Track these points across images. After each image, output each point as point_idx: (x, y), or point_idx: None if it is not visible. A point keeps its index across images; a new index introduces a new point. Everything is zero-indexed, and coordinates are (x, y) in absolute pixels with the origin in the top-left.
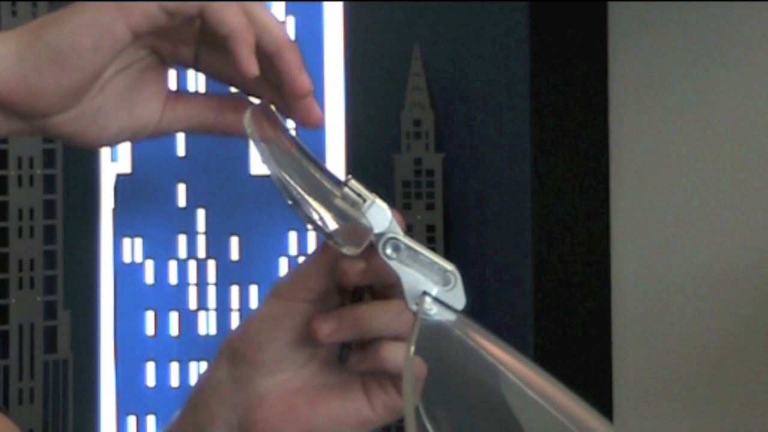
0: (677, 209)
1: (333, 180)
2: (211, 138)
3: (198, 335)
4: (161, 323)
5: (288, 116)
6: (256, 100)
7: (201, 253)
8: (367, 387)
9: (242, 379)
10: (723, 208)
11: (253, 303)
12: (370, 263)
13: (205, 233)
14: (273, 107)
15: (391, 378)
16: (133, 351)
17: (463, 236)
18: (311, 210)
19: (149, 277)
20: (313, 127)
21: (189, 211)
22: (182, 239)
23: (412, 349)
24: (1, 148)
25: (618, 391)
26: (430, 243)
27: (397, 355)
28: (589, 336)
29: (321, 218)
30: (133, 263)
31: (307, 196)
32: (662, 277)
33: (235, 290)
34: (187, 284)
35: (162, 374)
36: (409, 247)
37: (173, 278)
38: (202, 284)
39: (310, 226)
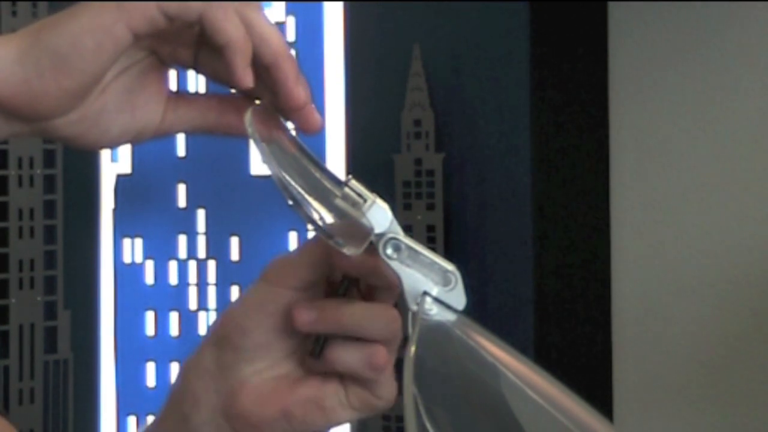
0: (677, 209)
1: (333, 180)
2: (211, 138)
3: (198, 336)
4: (161, 323)
5: (288, 119)
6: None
7: (201, 253)
8: (346, 381)
9: (227, 365)
10: (723, 208)
11: None
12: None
13: (206, 233)
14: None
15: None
16: (133, 351)
17: (463, 236)
18: (312, 210)
19: (149, 278)
20: (312, 133)
21: (189, 212)
22: (182, 239)
23: (413, 349)
24: (1, 148)
25: (618, 391)
26: (430, 243)
27: (352, 357)
28: (589, 336)
29: (321, 218)
30: (133, 263)
31: (307, 196)
32: (662, 277)
33: (235, 291)
34: (188, 284)
35: (162, 374)
36: (409, 248)
37: (173, 278)
38: (202, 284)
39: (310, 226)
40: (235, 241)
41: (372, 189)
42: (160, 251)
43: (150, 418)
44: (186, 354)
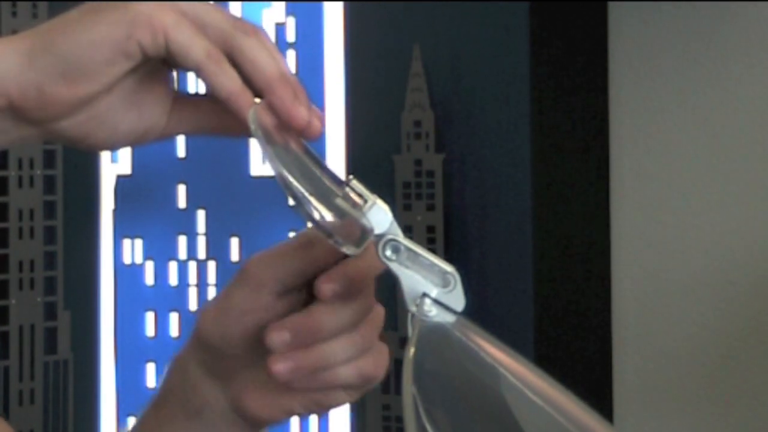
0: (677, 210)
1: (335, 180)
2: (211, 139)
3: None
4: (161, 324)
5: None
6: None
7: (201, 254)
8: None
9: (222, 373)
10: (723, 209)
11: None
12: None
13: (206, 234)
14: None
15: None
16: (133, 352)
17: (463, 236)
18: (312, 209)
19: (149, 278)
20: (313, 140)
21: (189, 212)
22: (182, 240)
23: (413, 350)
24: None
25: (618, 391)
26: (430, 243)
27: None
28: (589, 336)
29: (322, 217)
30: (133, 264)
31: (308, 195)
32: (662, 277)
33: None
34: (188, 285)
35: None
36: (408, 249)
37: (173, 279)
38: (202, 285)
39: (310, 225)
40: (235, 242)
41: (372, 190)
42: (160, 252)
43: None
44: None
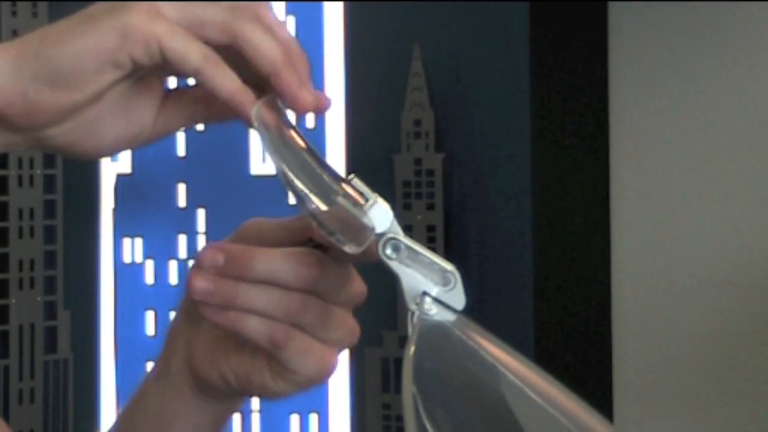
0: (677, 209)
1: (336, 177)
2: (212, 138)
3: None
4: (162, 323)
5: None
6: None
7: None
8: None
9: (193, 316)
10: (723, 208)
11: None
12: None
13: (206, 233)
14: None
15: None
16: (133, 351)
17: (463, 236)
18: (314, 207)
19: (149, 277)
20: (321, 113)
21: (189, 211)
22: (182, 239)
23: (413, 349)
24: None
25: (618, 391)
26: (430, 243)
27: (255, 326)
28: (589, 336)
29: (323, 215)
30: (133, 263)
31: (310, 193)
32: (662, 277)
33: None
34: None
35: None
36: (408, 248)
37: (173, 278)
38: None
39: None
40: None
41: (372, 189)
42: (160, 251)
43: None
44: None
